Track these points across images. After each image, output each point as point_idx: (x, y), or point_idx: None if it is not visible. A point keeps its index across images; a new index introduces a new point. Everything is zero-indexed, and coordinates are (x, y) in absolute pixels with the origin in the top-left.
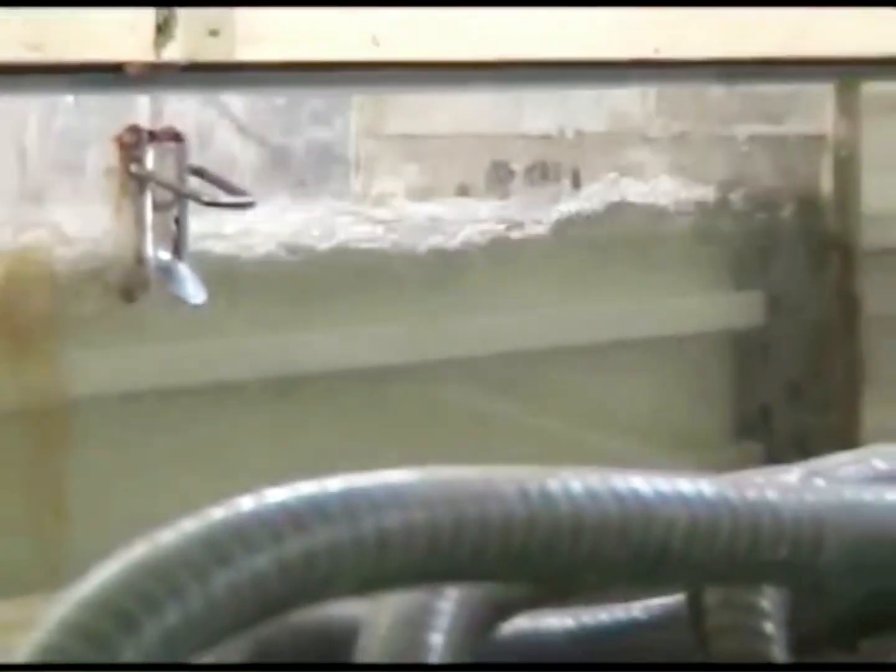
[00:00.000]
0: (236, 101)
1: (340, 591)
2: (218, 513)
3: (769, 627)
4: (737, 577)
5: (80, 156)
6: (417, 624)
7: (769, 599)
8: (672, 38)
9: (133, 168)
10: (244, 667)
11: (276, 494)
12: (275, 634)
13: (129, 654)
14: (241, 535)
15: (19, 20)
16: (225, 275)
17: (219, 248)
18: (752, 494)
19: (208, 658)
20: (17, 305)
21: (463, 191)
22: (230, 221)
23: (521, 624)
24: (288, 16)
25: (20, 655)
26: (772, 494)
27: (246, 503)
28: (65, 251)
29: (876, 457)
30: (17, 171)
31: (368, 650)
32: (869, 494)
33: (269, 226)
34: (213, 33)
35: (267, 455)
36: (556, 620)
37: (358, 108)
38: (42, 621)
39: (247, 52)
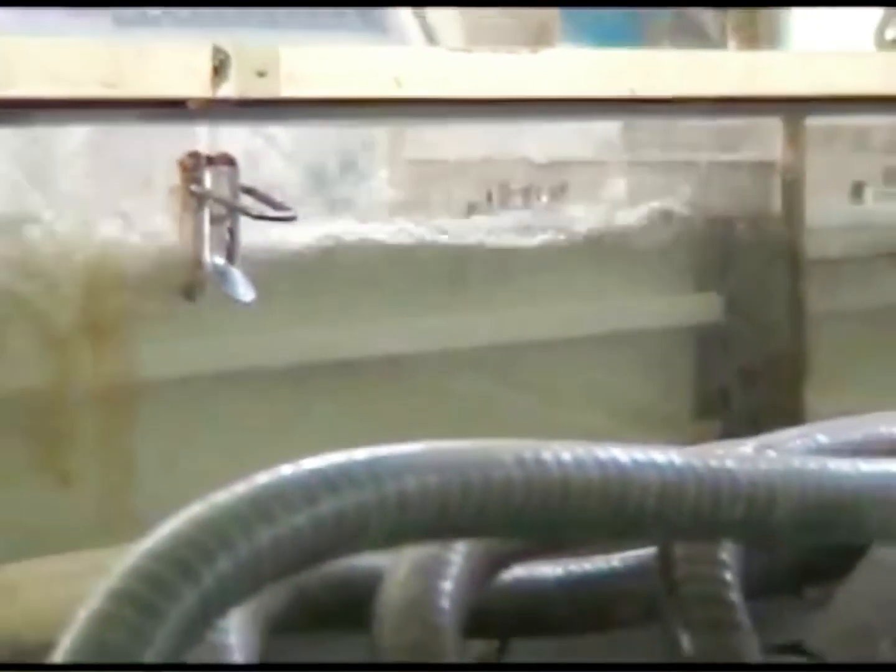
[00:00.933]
0: (281, 131)
1: (366, 546)
2: (263, 478)
3: (728, 576)
4: (700, 533)
5: (150, 177)
6: (431, 572)
7: (728, 552)
8: (645, 79)
9: (193, 187)
10: (244, 667)
11: (312, 462)
12: (310, 582)
13: (188, 598)
14: (282, 496)
15: (99, 62)
16: (270, 276)
17: (266, 254)
18: (713, 463)
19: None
20: (98, 303)
21: (471, 206)
22: (276, 231)
23: (517, 572)
24: (325, 60)
25: (95, 599)
26: (730, 463)
27: (286, 470)
28: (136, 257)
29: (818, 432)
30: (96, 190)
31: (389, 595)
32: (813, 463)
33: (309, 234)
34: (261, 74)
35: (306, 430)
36: (547, 568)
37: (383, 138)
38: (115, 569)
39: (290, 91)
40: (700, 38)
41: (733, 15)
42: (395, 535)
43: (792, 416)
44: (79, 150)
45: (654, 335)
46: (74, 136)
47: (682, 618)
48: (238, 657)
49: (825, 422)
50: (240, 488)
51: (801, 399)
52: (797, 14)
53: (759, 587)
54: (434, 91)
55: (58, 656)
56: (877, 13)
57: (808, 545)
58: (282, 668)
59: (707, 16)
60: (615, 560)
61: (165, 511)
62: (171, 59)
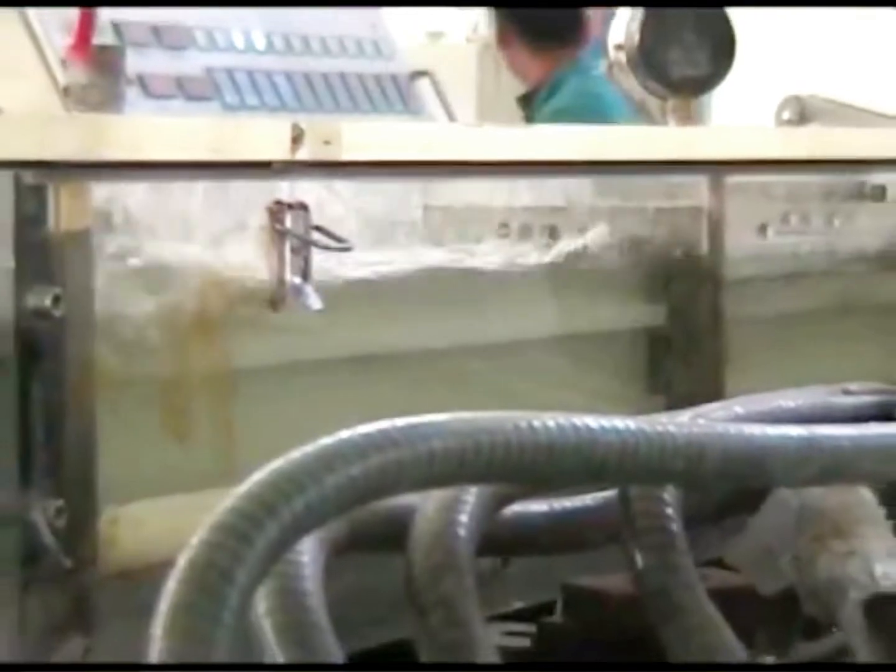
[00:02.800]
0: (341, 185)
1: (403, 490)
2: (327, 440)
3: (670, 511)
4: (649, 480)
5: (245, 219)
6: (451, 508)
7: (669, 493)
8: (608, 147)
9: (277, 227)
10: (247, 667)
11: (364, 428)
12: (362, 515)
13: (271, 529)
14: (341, 453)
15: (209, 134)
16: (333, 291)
17: (329, 276)
18: (659, 428)
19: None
20: (208, 311)
21: (479, 239)
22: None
23: (515, 508)
24: (374, 132)
25: (204, 529)
26: (671, 428)
27: (344, 434)
28: (236, 278)
29: (735, 405)
30: (207, 229)
31: (419, 526)
32: (732, 428)
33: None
34: (327, 143)
35: (361, 405)
36: (537, 506)
37: (416, 190)
38: (218, 507)
39: (348, 155)
40: (648, 118)
41: (672, 101)
42: (424, 483)
43: (715, 394)
44: (193, 200)
45: (615, 335)
46: (190, 190)
47: (636, 542)
48: (308, 572)
49: (740, 398)
50: (310, 448)
51: (722, 382)
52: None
53: (692, 518)
54: (454, 155)
55: (176, 573)
56: (777, 99)
57: (728, 489)
58: (283, 667)
59: (653, 103)
60: (588, 499)
61: (255, 464)
62: (261, 131)
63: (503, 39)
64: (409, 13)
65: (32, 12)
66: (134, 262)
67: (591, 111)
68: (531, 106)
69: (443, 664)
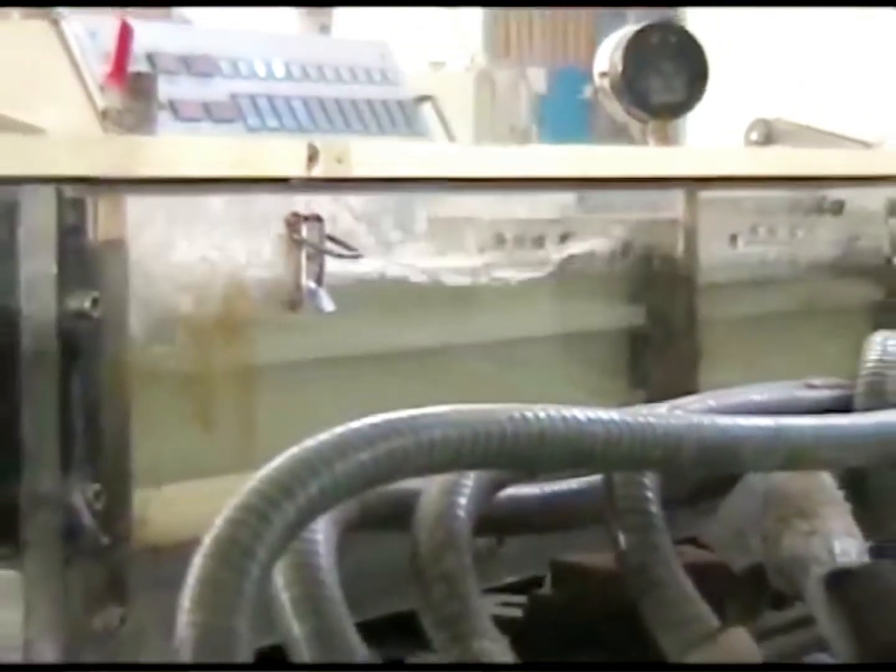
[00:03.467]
0: (351, 198)
1: (408, 475)
2: (339, 429)
3: (650, 494)
4: (631, 466)
5: (266, 229)
6: (451, 492)
7: (649, 478)
8: (595, 165)
9: (294, 236)
10: (249, 667)
11: (372, 420)
12: (371, 498)
13: (288, 510)
14: (351, 441)
15: (233, 152)
16: (345, 294)
17: (340, 280)
18: (640, 419)
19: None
20: (232, 312)
21: (480, 249)
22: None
23: (509, 491)
24: (381, 151)
25: (228, 509)
26: (651, 419)
27: (355, 424)
28: (258, 282)
29: (709, 398)
30: (231, 237)
31: (423, 508)
32: (706, 419)
33: (370, 266)
34: (339, 161)
35: (371, 398)
36: (529, 490)
37: (419, 203)
38: (241, 489)
39: (358, 172)
40: (629, 139)
41: (651, 124)
42: (426, 469)
43: (691, 388)
44: (219, 212)
45: (600, 335)
46: (216, 203)
47: (618, 522)
48: (322, 549)
49: (713, 391)
50: (323, 436)
51: (697, 377)
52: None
53: (669, 501)
54: (454, 172)
55: (203, 550)
56: (745, 122)
57: (702, 474)
58: (283, 668)
59: (634, 125)
60: (574, 483)
61: (274, 451)
62: (280, 150)
63: None
64: (414, 44)
65: (74, 42)
66: (164, 268)
67: None
68: None
69: (443, 664)
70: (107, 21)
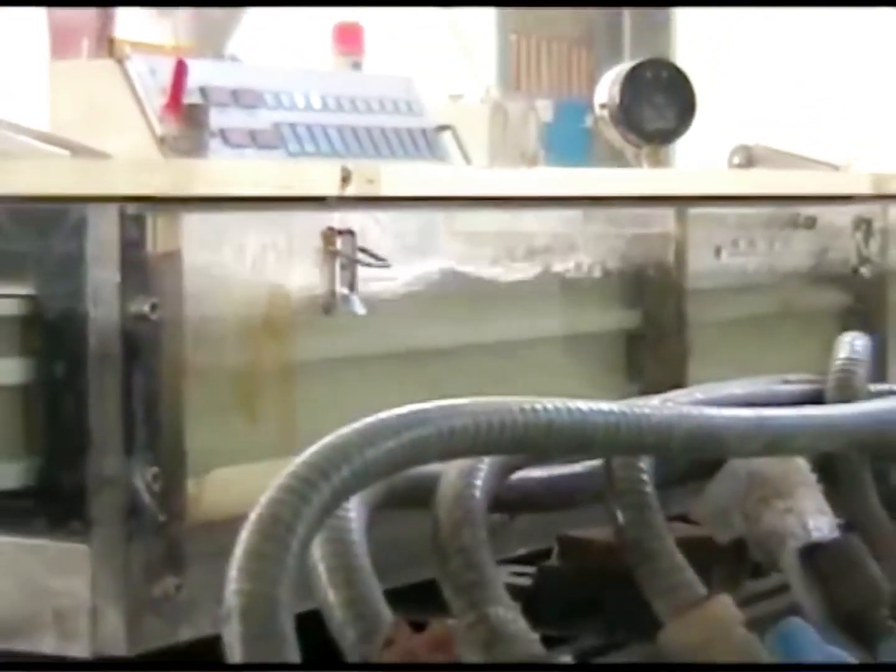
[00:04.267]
0: (381, 214)
1: (429, 460)
2: (369, 419)
3: (644, 476)
4: (628, 452)
5: (305, 242)
6: (468, 475)
7: (644, 462)
8: (595, 186)
9: (330, 248)
10: (254, 667)
11: (398, 411)
12: (398, 480)
13: (324, 491)
14: (379, 430)
15: (276, 174)
16: (375, 299)
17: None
18: (636, 409)
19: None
20: (275, 315)
21: (493, 260)
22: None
23: (520, 474)
24: (407, 173)
25: (271, 490)
26: (646, 410)
27: (383, 415)
28: (298, 288)
29: (697, 392)
30: (274, 250)
31: (443, 489)
32: (695, 410)
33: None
34: (370, 181)
35: (399, 391)
36: (537, 472)
37: (440, 218)
38: (282, 472)
39: (387, 191)
40: (626, 163)
41: (645, 149)
42: (446, 454)
43: (680, 383)
44: (264, 227)
45: (600, 336)
46: (261, 219)
47: (617, 501)
48: (354, 525)
49: (701, 385)
50: (355, 425)
51: (686, 373)
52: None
53: (662, 483)
54: (469, 191)
55: (248, 526)
56: (729, 147)
57: (691, 459)
58: (284, 668)
59: (631, 151)
60: (578, 467)
61: (312, 438)
62: (317, 173)
63: None
64: (435, 79)
65: (136, 78)
66: (214, 276)
67: None
68: None
69: (443, 664)
70: (165, 59)
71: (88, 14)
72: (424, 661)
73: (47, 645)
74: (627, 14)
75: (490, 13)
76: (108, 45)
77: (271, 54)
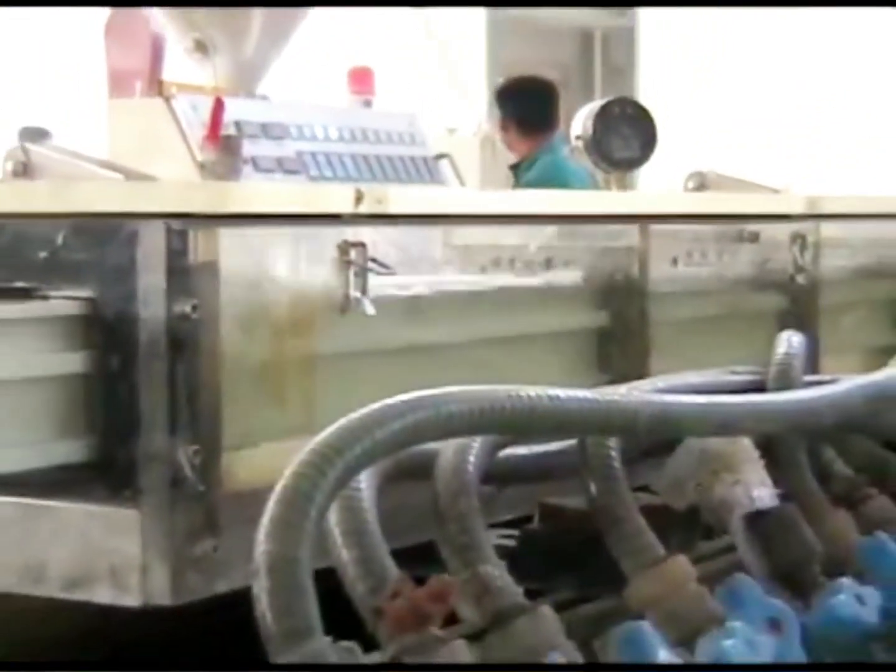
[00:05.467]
0: (388, 229)
1: (430, 439)
2: (377, 405)
3: (613, 453)
4: (599, 432)
5: (322, 253)
6: (463, 452)
7: (613, 441)
8: (571, 205)
9: (344, 258)
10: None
11: (403, 397)
12: (402, 456)
13: (339, 465)
14: (387, 413)
15: (297, 196)
16: (382, 301)
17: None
18: (606, 396)
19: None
20: (296, 316)
21: (482, 268)
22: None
23: (507, 451)
24: (410, 194)
25: (294, 464)
26: (615, 396)
27: (390, 401)
28: (318, 291)
29: (658, 381)
30: (297, 261)
31: (442, 464)
32: (656, 397)
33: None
34: (379, 201)
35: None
36: (522, 449)
37: (438, 233)
38: (304, 449)
39: (393, 209)
40: (597, 186)
41: (613, 174)
42: (444, 434)
43: (644, 374)
44: (289, 240)
45: (575, 332)
46: (286, 233)
47: (589, 474)
48: (365, 496)
49: (661, 376)
50: (365, 410)
51: (648, 365)
52: (644, 173)
53: (628, 458)
54: (464, 210)
55: (274, 496)
56: (684, 173)
57: (653, 438)
58: (284, 668)
59: (601, 176)
60: (556, 445)
61: (329, 421)
62: (334, 194)
63: (503, 126)
64: (434, 115)
65: (180, 113)
66: (246, 281)
67: (554, 182)
68: (517, 173)
69: (443, 665)
70: (205, 98)
71: (141, 59)
72: (425, 612)
73: (103, 596)
74: (598, 60)
75: (482, 59)
76: (157, 86)
77: (295, 94)
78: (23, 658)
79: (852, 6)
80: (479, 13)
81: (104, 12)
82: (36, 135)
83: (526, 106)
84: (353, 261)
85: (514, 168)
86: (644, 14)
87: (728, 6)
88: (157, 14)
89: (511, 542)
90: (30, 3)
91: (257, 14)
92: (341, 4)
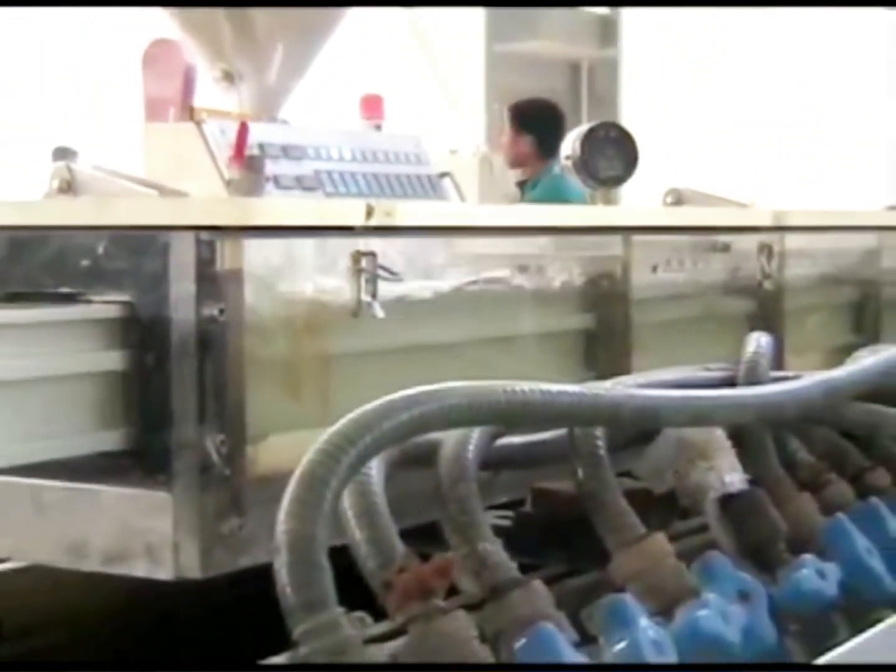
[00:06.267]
0: (397, 240)
1: (433, 430)
2: (386, 398)
3: (599, 442)
4: (586, 423)
5: (337, 261)
6: (463, 441)
7: (599, 431)
8: (561, 219)
9: (356, 265)
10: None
11: (408, 391)
12: (409, 445)
13: (351, 453)
14: (395, 406)
15: (318, 210)
16: (390, 304)
17: (387, 295)
18: (591, 391)
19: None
20: (313, 317)
21: (481, 276)
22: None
23: (503, 440)
24: (415, 209)
25: (310, 452)
26: (600, 390)
27: (397, 395)
28: (332, 296)
29: (639, 377)
30: (315, 268)
31: (444, 452)
32: (638, 391)
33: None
34: (388, 214)
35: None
36: (516, 438)
37: (440, 244)
38: (319, 439)
39: (401, 222)
40: (584, 201)
41: (600, 191)
42: (446, 425)
43: (626, 370)
44: (307, 250)
45: (566, 333)
46: (305, 244)
47: (578, 461)
48: (375, 480)
49: (642, 373)
50: (375, 403)
51: (630, 362)
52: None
53: (612, 446)
54: (464, 223)
55: (293, 480)
56: (663, 189)
57: (635, 429)
58: (284, 668)
59: (588, 192)
60: (548, 434)
61: (343, 413)
62: (348, 208)
63: (516, 142)
64: (438, 138)
65: (210, 136)
66: (267, 287)
67: (559, 199)
68: (523, 188)
69: (443, 664)
70: (232, 122)
71: (174, 88)
72: (429, 585)
73: (139, 570)
74: (585, 88)
75: (481, 88)
76: (189, 112)
77: (313, 118)
78: (64, 627)
79: (853, 6)
80: (479, 46)
81: (141, 44)
82: (66, 154)
83: (546, 129)
84: (365, 268)
85: (521, 185)
86: (626, 47)
87: (712, 5)
88: (188, 46)
89: (507, 522)
90: (32, 4)
91: (279, 47)
92: (345, 4)
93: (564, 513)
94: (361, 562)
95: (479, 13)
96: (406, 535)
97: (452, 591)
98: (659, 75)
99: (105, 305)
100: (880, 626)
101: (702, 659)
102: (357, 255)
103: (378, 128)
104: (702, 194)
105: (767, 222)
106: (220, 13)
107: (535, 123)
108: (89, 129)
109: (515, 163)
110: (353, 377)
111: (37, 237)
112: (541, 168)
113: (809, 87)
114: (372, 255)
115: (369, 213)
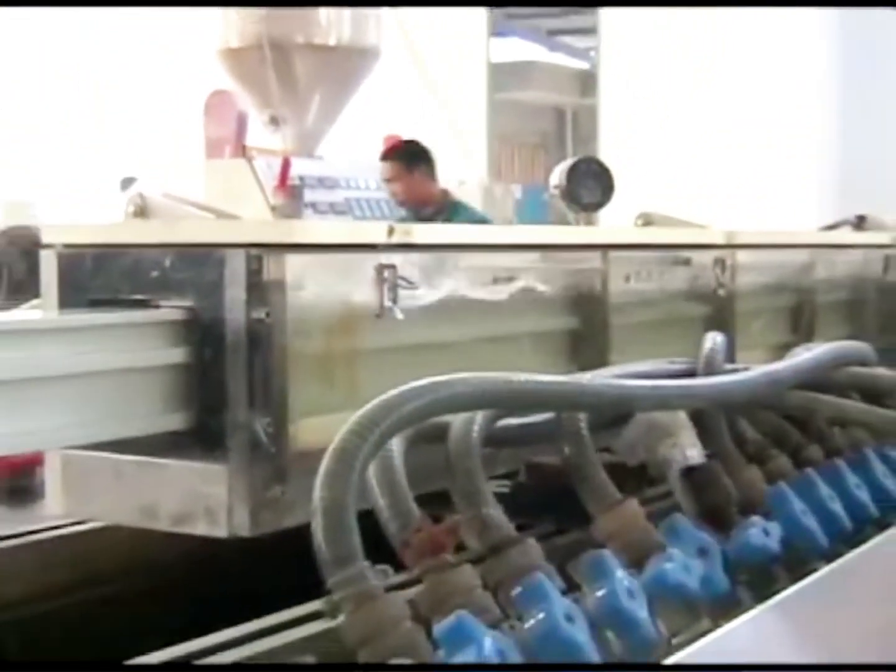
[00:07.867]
0: (414, 255)
1: (444, 413)
2: (404, 387)
3: (582, 424)
4: (572, 409)
5: (363, 272)
6: (470, 423)
7: (583, 414)
8: (551, 236)
9: (380, 276)
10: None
11: (423, 381)
12: (423, 426)
13: (375, 433)
14: (412, 394)
15: (345, 230)
16: (410, 309)
17: (405, 300)
18: (576, 380)
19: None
20: (343, 319)
21: (482, 282)
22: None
23: (503, 422)
24: (431, 228)
25: (342, 431)
26: (583, 380)
27: (414, 384)
28: (359, 302)
29: (615, 369)
30: (345, 278)
31: (453, 432)
32: (614, 381)
33: (423, 295)
34: (407, 233)
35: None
36: (514, 421)
37: (453, 258)
38: (349, 420)
39: (419, 240)
40: (568, 223)
41: (582, 214)
42: (454, 409)
43: (605, 364)
44: (339, 263)
45: (553, 333)
46: (337, 259)
47: (564, 440)
48: (396, 454)
49: (618, 366)
50: (396, 391)
51: (607, 357)
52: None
53: (593, 427)
54: (470, 241)
55: (327, 455)
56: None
57: (612, 413)
58: (284, 668)
59: (572, 216)
60: (539, 417)
61: (368, 399)
62: (372, 229)
63: (407, 173)
64: (447, 170)
65: (259, 169)
66: (306, 294)
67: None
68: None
69: (443, 665)
70: (277, 158)
71: (230, 131)
72: (441, 543)
73: (200, 529)
74: (569, 130)
75: (483, 130)
76: (241, 150)
77: (345, 154)
78: (139, 576)
79: (853, 6)
80: (482, 94)
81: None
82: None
83: (427, 160)
84: (386, 279)
85: (429, 220)
86: (604, 96)
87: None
88: (241, 96)
89: (505, 490)
90: (31, 4)
91: (316, 96)
92: (355, 5)
93: (554, 482)
94: (384, 523)
95: (483, 68)
96: (421, 500)
97: (460, 548)
98: (631, 118)
99: (171, 310)
100: (815, 576)
101: (666, 603)
102: (380, 268)
103: None
104: (667, 217)
105: (721, 240)
106: (268, 67)
107: (417, 159)
108: (151, 157)
109: (419, 202)
110: (376, 369)
111: (115, 253)
112: (443, 201)
113: (758, 121)
114: (393, 267)
115: (390, 232)
